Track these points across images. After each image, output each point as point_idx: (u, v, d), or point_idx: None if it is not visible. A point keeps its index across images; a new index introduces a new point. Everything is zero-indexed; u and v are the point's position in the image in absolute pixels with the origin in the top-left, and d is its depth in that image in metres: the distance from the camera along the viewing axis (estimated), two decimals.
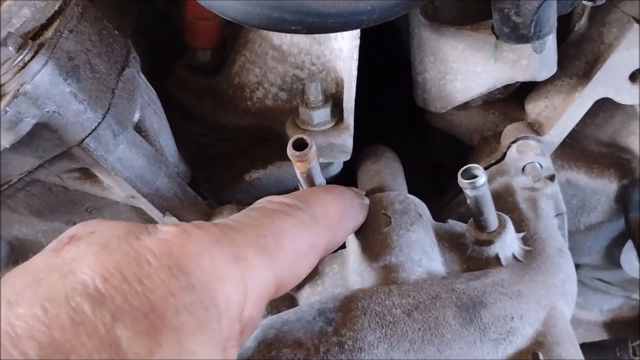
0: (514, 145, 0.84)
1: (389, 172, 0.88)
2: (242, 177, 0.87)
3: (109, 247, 0.45)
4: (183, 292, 0.43)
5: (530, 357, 0.64)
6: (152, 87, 0.85)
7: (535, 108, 0.88)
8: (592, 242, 1.01)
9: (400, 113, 1.17)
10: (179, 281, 0.44)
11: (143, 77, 0.81)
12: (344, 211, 0.67)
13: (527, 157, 0.82)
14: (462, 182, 0.65)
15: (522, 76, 0.78)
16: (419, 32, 0.82)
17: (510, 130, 0.87)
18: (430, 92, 0.87)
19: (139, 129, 0.77)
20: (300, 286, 0.77)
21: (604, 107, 0.88)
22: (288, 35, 0.83)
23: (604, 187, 0.92)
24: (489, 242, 0.72)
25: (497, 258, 0.72)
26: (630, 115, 0.88)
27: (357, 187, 0.90)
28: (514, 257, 0.73)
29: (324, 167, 0.87)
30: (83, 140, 0.68)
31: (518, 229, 0.76)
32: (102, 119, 0.69)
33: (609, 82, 0.80)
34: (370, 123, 1.07)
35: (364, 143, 0.98)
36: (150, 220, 0.82)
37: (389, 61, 1.05)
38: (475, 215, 0.71)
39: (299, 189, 0.81)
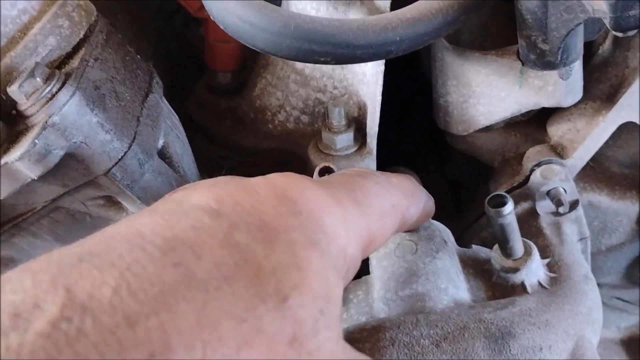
0: (538, 170, 0.83)
1: None
2: None
3: (218, 183, 0.47)
4: (292, 216, 0.45)
5: None
6: (173, 110, 0.85)
7: (558, 131, 0.87)
8: (612, 263, 1.00)
9: (419, 133, 1.17)
10: (287, 207, 0.45)
11: (166, 102, 0.81)
12: (415, 186, 0.67)
13: (552, 182, 0.81)
14: (489, 210, 0.65)
15: (547, 102, 0.78)
16: (442, 56, 0.82)
17: (533, 153, 0.87)
18: (452, 115, 0.87)
19: (162, 155, 0.77)
20: None
21: (625, 128, 0.87)
22: None
23: (626, 209, 0.92)
24: (515, 270, 0.71)
25: (522, 285, 0.72)
26: None
27: None
28: (540, 284, 0.72)
29: None
30: (109, 170, 0.68)
31: (543, 255, 0.76)
32: (129, 149, 0.69)
33: (633, 106, 0.80)
34: (390, 143, 1.07)
35: (384, 163, 0.97)
36: None
37: (408, 82, 1.05)
38: (501, 243, 0.70)
39: None
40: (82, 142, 0.65)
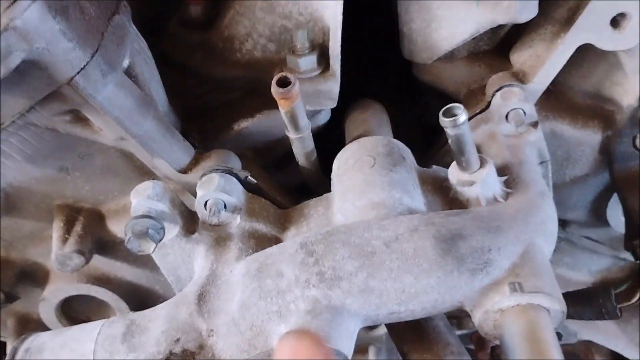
0: (498, 93, 0.85)
1: (375, 120, 0.90)
2: (231, 126, 0.89)
3: None
4: None
5: (506, 287, 0.66)
6: (146, 42, 0.86)
7: (520, 58, 0.89)
8: (578, 196, 1.02)
9: (395, 78, 1.19)
10: None
11: (134, 26, 0.83)
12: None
13: (511, 103, 0.83)
14: (444, 120, 0.67)
15: (503, 18, 0.79)
16: None
17: (495, 80, 0.89)
18: (416, 43, 0.88)
19: (129, 74, 0.79)
20: (285, 228, 0.79)
21: (587, 57, 0.89)
22: None
23: (588, 138, 0.94)
24: (470, 183, 0.73)
25: (478, 199, 0.74)
26: (613, 65, 0.89)
27: (344, 137, 0.92)
28: (495, 198, 0.74)
29: (312, 115, 0.89)
30: (72, 78, 0.70)
31: (501, 174, 0.77)
32: (91, 58, 0.71)
33: (590, 28, 0.81)
34: (366, 88, 1.09)
35: (355, 99, 1.00)
36: (141, 166, 0.84)
37: (383, 28, 1.07)
38: (456, 155, 0.72)
39: (286, 138, 0.83)
40: (44, 48, 0.67)
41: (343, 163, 0.79)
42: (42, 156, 0.82)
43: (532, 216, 0.72)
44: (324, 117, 0.91)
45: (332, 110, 0.92)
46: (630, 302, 0.93)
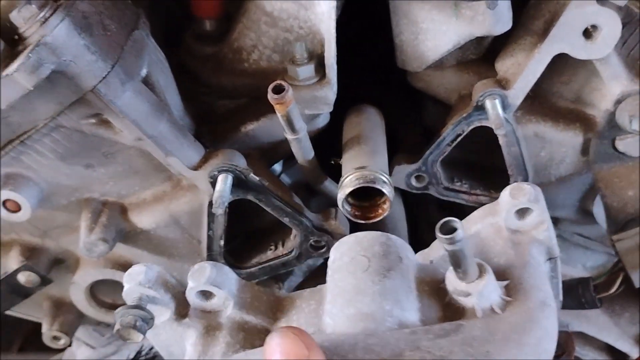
0: (508, 189, 0.79)
1: (368, 124, 0.99)
2: (239, 128, 0.99)
3: None
4: None
5: None
6: (163, 52, 0.97)
7: (503, 66, 0.97)
8: (564, 195, 1.08)
9: (396, 84, 1.27)
10: None
11: (152, 40, 0.94)
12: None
13: (519, 202, 0.77)
14: (441, 237, 0.63)
15: (479, 31, 0.87)
16: None
17: (479, 86, 0.96)
18: (407, 53, 0.97)
19: (146, 81, 0.89)
20: (277, 318, 0.78)
21: (568, 65, 0.96)
22: (278, 2, 0.94)
23: (570, 140, 1.00)
24: (467, 294, 0.70)
25: (473, 309, 0.69)
26: (592, 72, 0.95)
27: (341, 139, 1.01)
28: (492, 309, 0.70)
29: (311, 119, 0.98)
30: (95, 86, 0.81)
31: (502, 277, 0.73)
32: (111, 69, 0.82)
33: (563, 38, 0.88)
34: (369, 93, 1.17)
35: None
36: (157, 164, 0.95)
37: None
38: (454, 266, 0.69)
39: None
40: (70, 61, 0.78)
41: (338, 257, 0.77)
42: (72, 155, 0.93)
43: (527, 336, 0.67)
44: (322, 121, 1.00)
45: (334, 113, 1.01)
46: (608, 293, 0.99)
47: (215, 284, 0.74)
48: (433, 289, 0.74)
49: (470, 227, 0.81)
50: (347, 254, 0.75)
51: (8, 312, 1.19)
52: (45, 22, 0.76)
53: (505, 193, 0.79)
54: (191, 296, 0.75)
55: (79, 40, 0.79)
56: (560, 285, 0.85)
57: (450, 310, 0.71)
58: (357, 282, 0.72)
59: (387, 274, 0.72)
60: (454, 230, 0.62)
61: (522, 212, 0.78)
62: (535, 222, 0.78)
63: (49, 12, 0.77)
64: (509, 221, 0.78)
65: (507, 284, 0.72)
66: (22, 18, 0.76)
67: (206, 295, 0.76)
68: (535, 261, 0.77)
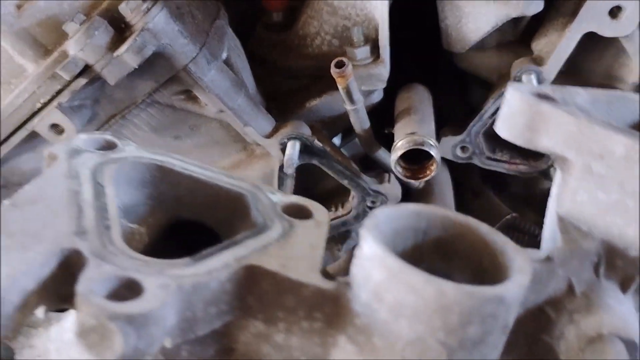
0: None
1: (417, 98, 1.12)
2: (303, 104, 1.14)
3: None
4: None
5: None
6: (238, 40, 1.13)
7: (538, 45, 1.08)
8: None
9: (443, 65, 1.40)
10: None
11: (230, 29, 1.10)
12: None
13: None
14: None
15: (515, 12, 1.00)
16: None
17: (517, 64, 1.08)
18: (451, 36, 1.10)
19: (226, 62, 1.05)
20: None
21: (599, 43, 1.07)
22: None
23: None
24: None
25: None
26: (620, 49, 1.06)
27: (393, 112, 1.14)
28: None
29: (367, 94, 1.12)
30: (186, 65, 0.97)
31: None
32: (200, 51, 0.98)
33: (591, 18, 1.00)
34: (418, 73, 1.31)
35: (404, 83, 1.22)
36: (235, 135, 1.10)
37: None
38: None
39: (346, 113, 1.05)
40: (167, 44, 0.94)
41: None
42: (163, 127, 1.10)
43: None
44: (377, 96, 1.14)
45: (386, 90, 1.15)
46: None
47: None
48: None
49: None
50: None
51: None
52: (148, 12, 0.92)
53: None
54: None
55: (174, 27, 0.95)
56: None
57: None
58: None
59: None
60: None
61: None
62: None
63: (150, 4, 0.93)
64: None
65: None
66: (129, 9, 0.93)
67: None
68: None
